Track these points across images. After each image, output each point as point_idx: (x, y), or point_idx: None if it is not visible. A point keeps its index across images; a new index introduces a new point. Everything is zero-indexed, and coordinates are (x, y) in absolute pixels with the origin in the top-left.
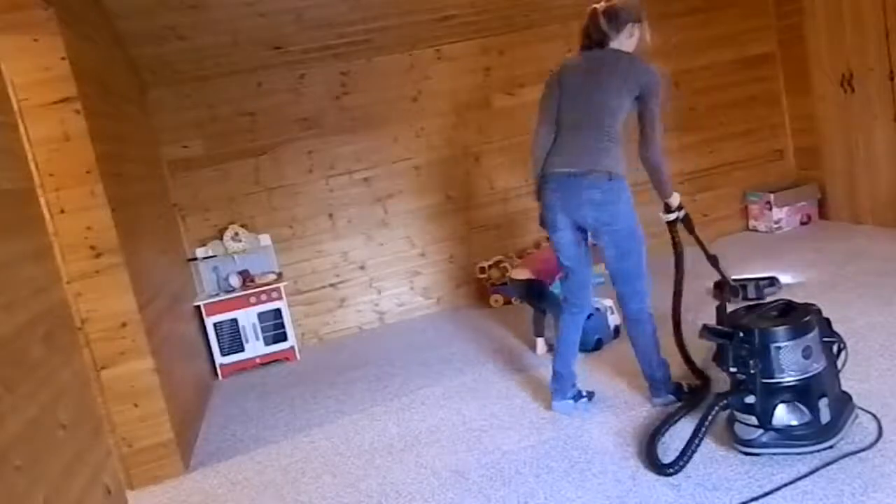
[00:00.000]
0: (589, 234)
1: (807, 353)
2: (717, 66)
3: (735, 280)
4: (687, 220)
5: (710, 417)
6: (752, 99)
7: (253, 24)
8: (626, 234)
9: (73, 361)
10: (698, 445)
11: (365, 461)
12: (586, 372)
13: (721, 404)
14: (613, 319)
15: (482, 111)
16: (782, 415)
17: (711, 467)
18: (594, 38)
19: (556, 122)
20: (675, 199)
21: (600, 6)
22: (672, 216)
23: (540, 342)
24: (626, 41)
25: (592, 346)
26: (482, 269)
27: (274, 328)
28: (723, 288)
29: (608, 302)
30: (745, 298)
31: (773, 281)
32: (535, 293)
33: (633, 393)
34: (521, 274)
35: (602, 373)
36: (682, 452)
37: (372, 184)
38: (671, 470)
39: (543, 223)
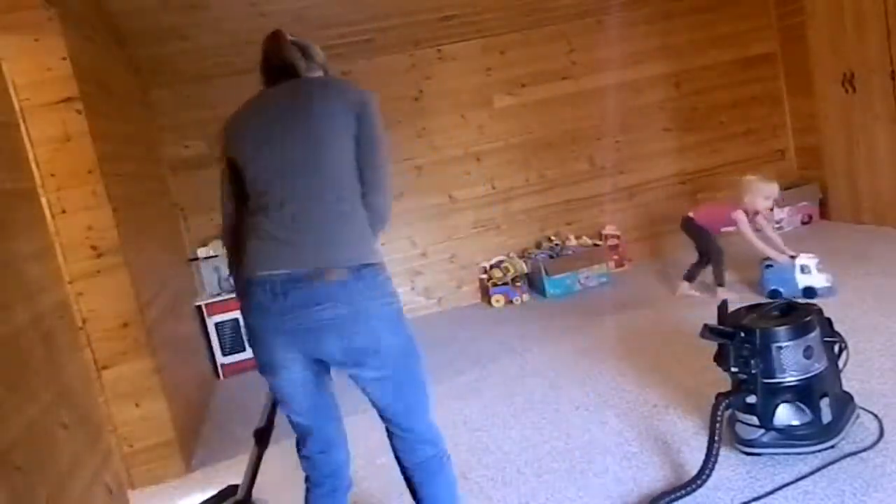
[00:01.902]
0: (331, 369)
1: (808, 353)
2: (719, 66)
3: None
4: None
5: (718, 420)
6: (754, 99)
7: (254, 24)
8: (401, 352)
9: (74, 361)
10: (718, 450)
11: (366, 461)
12: (588, 371)
13: (725, 404)
14: (806, 279)
15: (483, 111)
16: (783, 415)
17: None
18: (278, 66)
19: (250, 195)
20: None
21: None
22: None
23: (684, 285)
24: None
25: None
26: (484, 269)
27: None
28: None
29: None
30: None
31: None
32: (701, 237)
33: (634, 393)
34: (696, 215)
35: (604, 374)
36: (705, 462)
37: None
38: (698, 483)
39: (255, 351)
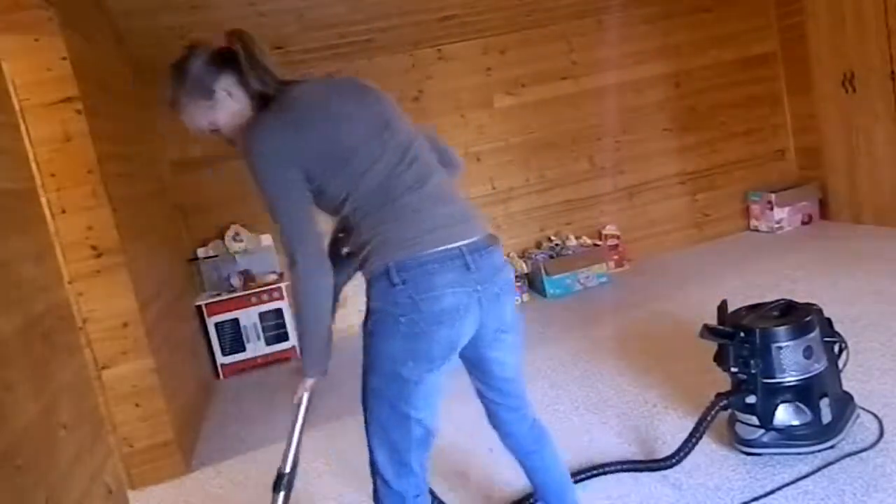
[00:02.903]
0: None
1: (808, 353)
2: (719, 66)
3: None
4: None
5: (710, 416)
6: (754, 99)
7: (254, 24)
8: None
9: (74, 361)
10: (696, 442)
11: (366, 461)
12: (588, 371)
13: (722, 404)
14: None
15: (483, 111)
16: (783, 415)
17: (712, 467)
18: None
19: (362, 193)
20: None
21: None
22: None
23: None
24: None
25: None
26: None
27: (275, 328)
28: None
29: None
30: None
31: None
32: None
33: (634, 393)
34: None
35: (604, 374)
36: (681, 447)
37: None
38: (669, 462)
39: (429, 341)
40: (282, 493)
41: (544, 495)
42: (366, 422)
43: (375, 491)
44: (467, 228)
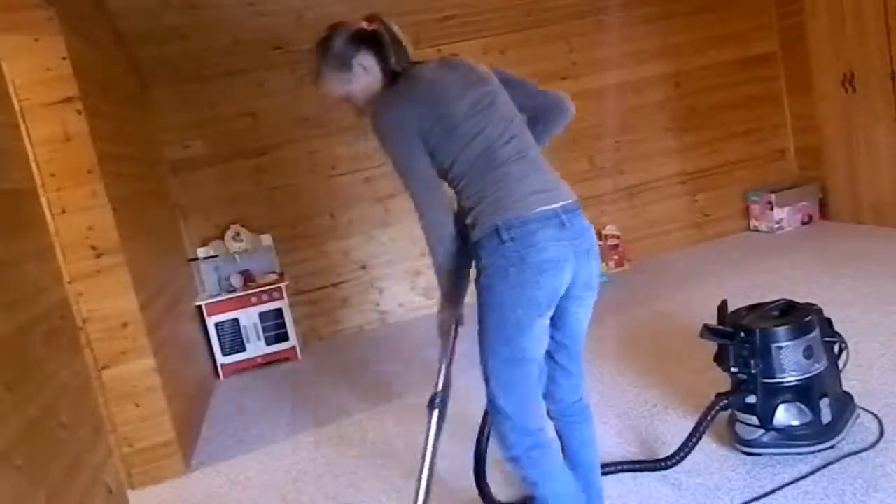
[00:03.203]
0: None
1: (808, 353)
2: (719, 66)
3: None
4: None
5: (710, 416)
6: (754, 99)
7: (254, 24)
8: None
9: (74, 361)
10: (696, 442)
11: (367, 461)
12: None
13: (722, 404)
14: None
15: None
16: (783, 415)
17: (713, 467)
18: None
19: (470, 161)
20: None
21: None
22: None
23: None
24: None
25: None
26: None
27: (275, 328)
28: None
29: None
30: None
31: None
32: None
33: (634, 393)
34: None
35: (604, 374)
36: (681, 447)
37: (373, 183)
38: (668, 463)
39: (535, 289)
40: (436, 411)
41: (574, 469)
42: (485, 370)
43: (499, 432)
44: (560, 193)
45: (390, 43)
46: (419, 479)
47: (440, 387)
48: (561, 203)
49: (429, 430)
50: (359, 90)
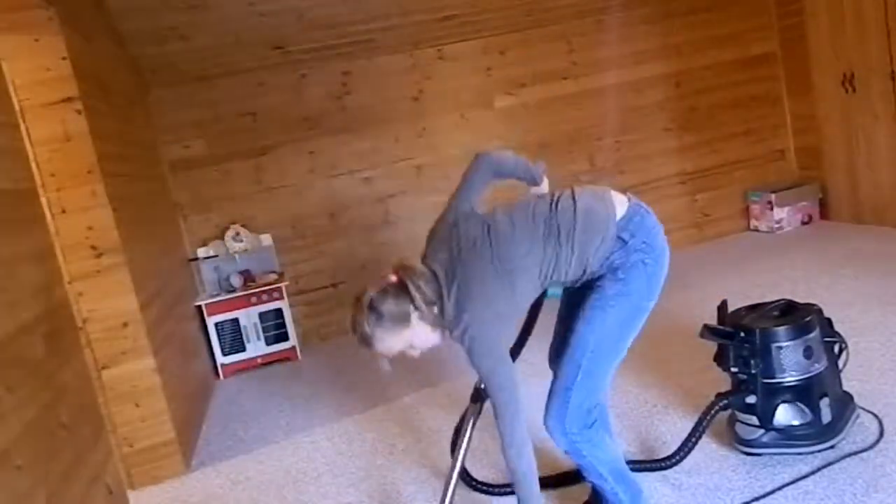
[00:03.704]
0: None
1: (808, 353)
2: (719, 66)
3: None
4: None
5: (710, 416)
6: (754, 99)
7: (254, 24)
8: None
9: (74, 361)
10: (696, 442)
11: (366, 461)
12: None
13: (722, 404)
14: None
15: (483, 111)
16: (783, 415)
17: (713, 467)
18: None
19: None
20: None
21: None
22: None
23: None
24: None
25: None
26: None
27: (275, 328)
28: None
29: None
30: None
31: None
32: None
33: (634, 393)
34: None
35: None
36: (681, 447)
37: (373, 184)
38: (668, 463)
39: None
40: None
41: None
42: (586, 373)
43: (565, 423)
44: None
45: (420, 284)
46: (450, 475)
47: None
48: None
49: (467, 423)
50: (418, 336)
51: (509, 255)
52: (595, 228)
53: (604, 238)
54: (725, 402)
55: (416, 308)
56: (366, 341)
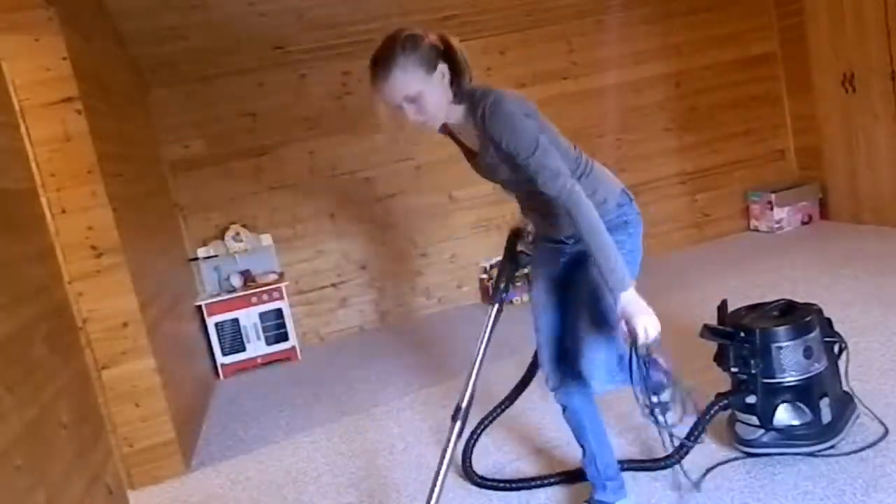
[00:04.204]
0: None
1: (808, 353)
2: (719, 66)
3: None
4: None
5: (709, 416)
6: (753, 99)
7: (254, 24)
8: None
9: (74, 361)
10: (695, 442)
11: (366, 461)
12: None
13: (721, 404)
14: None
15: None
16: (783, 415)
17: (713, 467)
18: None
19: None
20: None
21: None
22: None
23: None
24: None
25: None
26: (484, 269)
27: (275, 328)
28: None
29: None
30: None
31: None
32: None
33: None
34: None
35: None
36: (678, 447)
37: (373, 183)
38: (666, 462)
39: None
40: (458, 423)
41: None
42: (602, 326)
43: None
44: None
45: (465, 64)
46: (434, 484)
47: (465, 401)
48: None
49: (447, 443)
50: (432, 94)
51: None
52: (602, 180)
53: (606, 198)
54: (725, 402)
55: (450, 67)
56: (388, 64)
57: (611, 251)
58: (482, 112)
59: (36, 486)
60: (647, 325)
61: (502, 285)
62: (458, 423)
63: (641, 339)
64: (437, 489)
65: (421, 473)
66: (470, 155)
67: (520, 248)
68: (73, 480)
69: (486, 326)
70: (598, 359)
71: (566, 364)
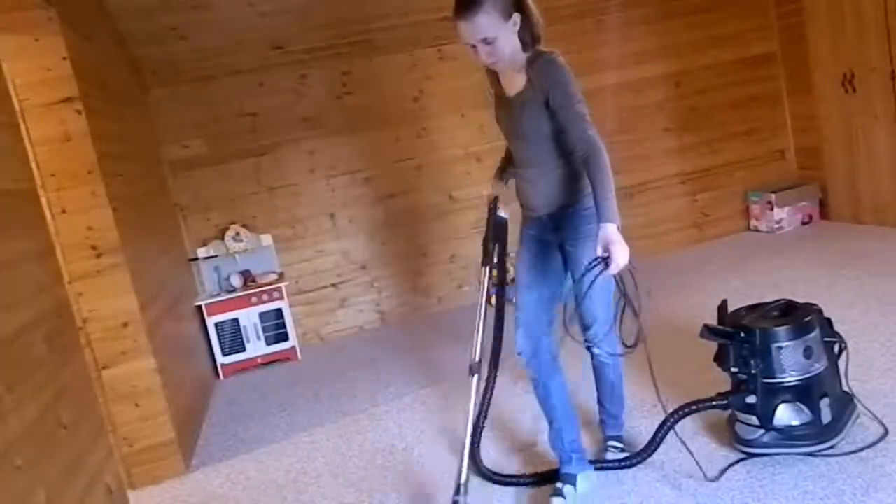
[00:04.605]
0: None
1: (808, 353)
2: (719, 66)
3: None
4: None
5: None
6: (754, 99)
7: (254, 24)
8: None
9: (74, 361)
10: (665, 435)
11: (366, 461)
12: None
13: (721, 404)
14: None
15: (483, 111)
16: (783, 415)
17: (713, 467)
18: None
19: None
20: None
21: None
22: None
23: None
24: None
25: None
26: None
27: (275, 328)
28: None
29: None
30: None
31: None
32: None
33: (635, 394)
34: None
35: None
36: (650, 441)
37: (373, 184)
38: (641, 457)
39: None
40: (475, 377)
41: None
42: (605, 300)
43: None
44: None
45: (537, 20)
46: (463, 446)
47: (477, 357)
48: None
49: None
50: (505, 40)
51: None
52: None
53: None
54: (725, 402)
55: (525, 17)
56: (474, 7)
57: (612, 190)
58: (541, 62)
59: (36, 486)
60: (623, 252)
61: (490, 245)
62: (475, 377)
63: (621, 262)
64: (466, 443)
65: (421, 473)
66: (500, 103)
67: (500, 212)
68: (72, 480)
69: (482, 288)
70: (608, 320)
71: (541, 336)
